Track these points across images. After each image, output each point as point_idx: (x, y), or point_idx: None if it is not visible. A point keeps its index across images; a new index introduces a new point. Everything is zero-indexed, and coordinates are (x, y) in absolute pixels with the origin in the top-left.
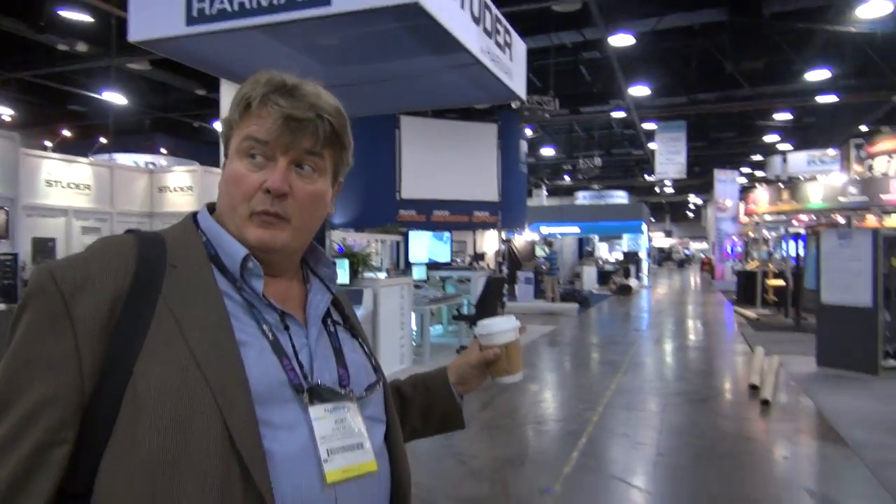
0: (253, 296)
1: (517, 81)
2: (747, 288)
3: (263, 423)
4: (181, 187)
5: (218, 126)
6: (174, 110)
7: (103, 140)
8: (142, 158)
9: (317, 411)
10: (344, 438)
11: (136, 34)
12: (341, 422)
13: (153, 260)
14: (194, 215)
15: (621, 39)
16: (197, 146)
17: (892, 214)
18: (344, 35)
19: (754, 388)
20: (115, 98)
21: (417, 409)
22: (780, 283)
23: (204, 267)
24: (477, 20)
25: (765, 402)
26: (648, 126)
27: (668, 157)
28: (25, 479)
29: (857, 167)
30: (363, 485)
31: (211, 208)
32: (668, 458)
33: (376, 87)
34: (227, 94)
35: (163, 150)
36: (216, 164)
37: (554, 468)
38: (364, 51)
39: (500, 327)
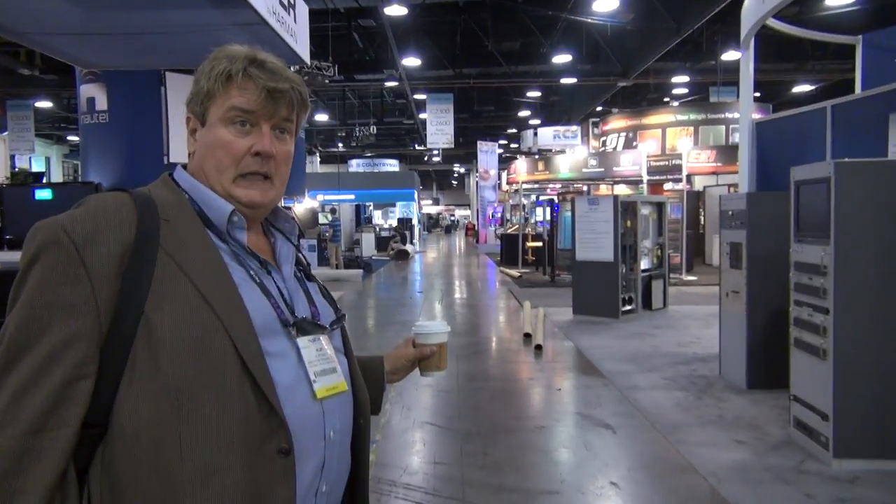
0: (237, 246)
1: (301, 44)
2: (510, 249)
3: (263, 351)
4: None
5: None
6: None
7: None
8: None
9: (302, 341)
10: (323, 363)
11: None
12: (320, 350)
13: (149, 214)
14: (170, 175)
15: (395, 9)
16: None
17: (621, 184)
18: None
19: (528, 336)
20: None
21: None
22: (539, 244)
23: (194, 220)
24: None
25: (538, 348)
26: (419, 97)
27: (438, 128)
28: (55, 408)
29: (594, 142)
30: (340, 400)
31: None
32: (466, 401)
33: (143, 38)
34: None
35: None
36: None
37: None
38: None
39: (437, 329)
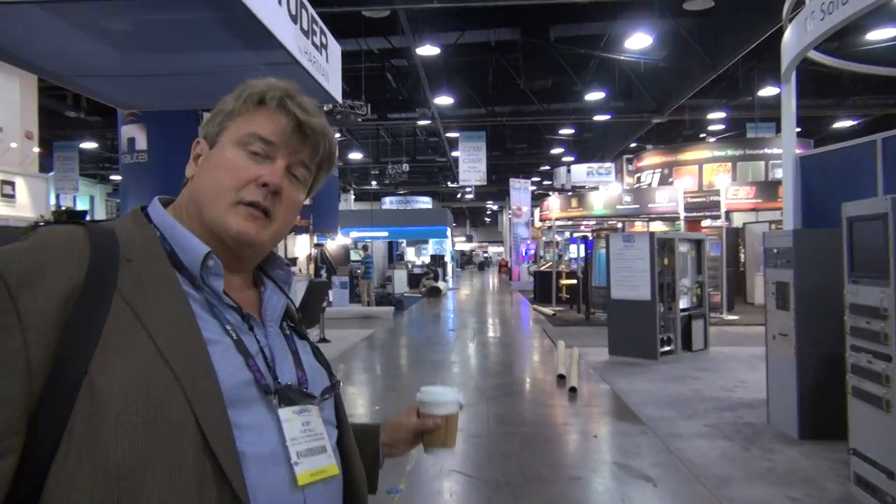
0: (212, 295)
1: (333, 84)
2: (543, 286)
3: (232, 424)
4: None
5: None
6: None
7: None
8: None
9: (285, 413)
10: (310, 441)
11: None
12: (307, 424)
13: (106, 252)
14: (143, 208)
15: (427, 49)
16: None
17: (657, 221)
18: (139, 20)
19: (561, 378)
20: None
21: None
22: (573, 281)
23: (162, 262)
24: (294, 18)
25: (572, 390)
26: (451, 135)
27: (471, 165)
28: None
29: (628, 179)
30: (327, 487)
31: (163, 203)
32: (497, 447)
33: (179, 79)
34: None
35: None
36: None
37: (397, 468)
38: (165, 39)
39: (445, 398)
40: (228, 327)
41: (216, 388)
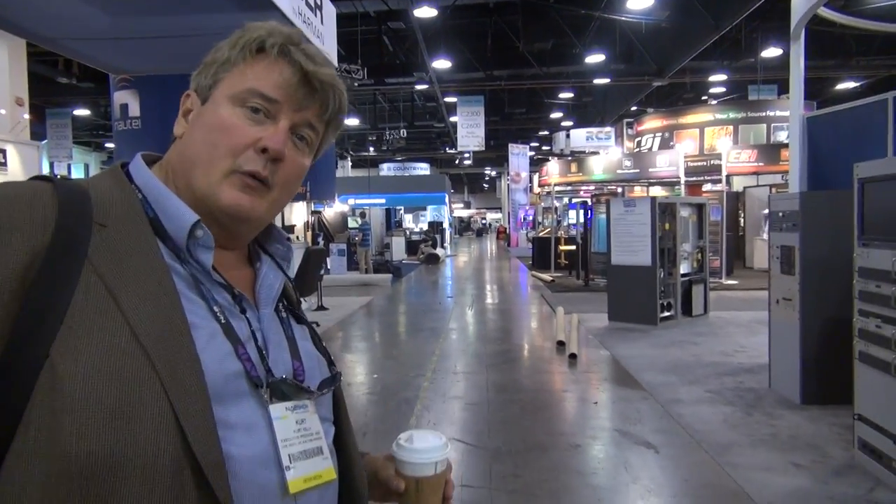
0: (199, 270)
1: (328, 46)
2: (542, 253)
3: (217, 421)
4: None
5: None
6: None
7: None
8: None
9: (277, 410)
10: (304, 442)
11: None
12: (301, 423)
13: (77, 214)
14: (124, 166)
15: (424, 11)
16: None
17: (656, 186)
18: None
19: (561, 344)
20: None
21: None
22: (572, 247)
23: (142, 229)
24: None
25: (572, 356)
26: (450, 100)
27: (469, 131)
28: None
29: (628, 143)
30: (322, 493)
31: (148, 161)
32: (496, 415)
33: (169, 42)
34: None
35: None
36: None
37: (395, 435)
38: (159, 1)
39: (419, 456)
40: (216, 309)
41: (200, 379)
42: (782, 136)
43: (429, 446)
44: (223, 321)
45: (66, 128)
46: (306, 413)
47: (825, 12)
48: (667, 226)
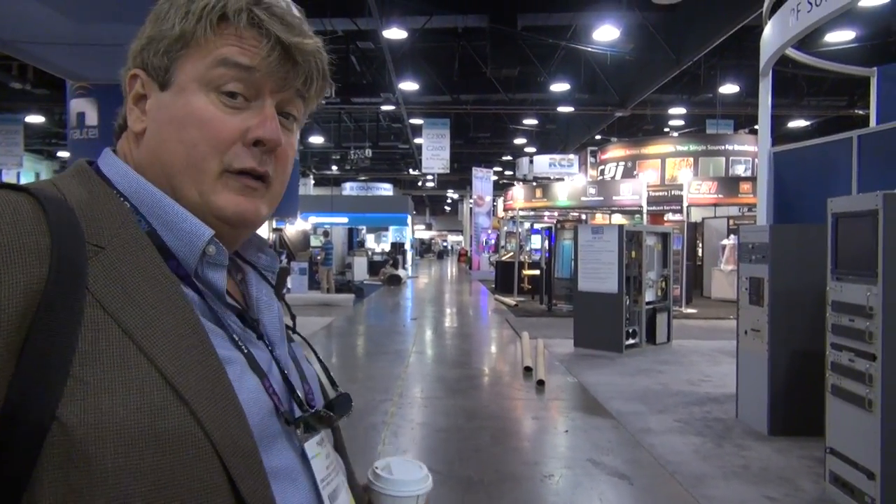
0: (211, 296)
1: None
2: (505, 276)
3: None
4: None
5: None
6: None
7: None
8: None
9: (311, 448)
10: (334, 478)
11: None
12: (328, 457)
13: (71, 237)
14: (92, 164)
15: (394, 33)
16: None
17: (617, 214)
18: None
19: (528, 370)
20: None
21: None
22: (535, 272)
23: (146, 250)
24: None
25: (540, 383)
26: (415, 121)
27: (434, 153)
28: None
29: (592, 171)
30: None
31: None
32: (467, 443)
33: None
34: None
35: None
36: None
37: (365, 462)
38: (124, 8)
39: (400, 489)
40: (236, 337)
41: (249, 433)
42: (740, 170)
43: (410, 478)
44: (245, 351)
45: (18, 135)
46: (329, 445)
47: (792, 52)
48: (633, 254)
